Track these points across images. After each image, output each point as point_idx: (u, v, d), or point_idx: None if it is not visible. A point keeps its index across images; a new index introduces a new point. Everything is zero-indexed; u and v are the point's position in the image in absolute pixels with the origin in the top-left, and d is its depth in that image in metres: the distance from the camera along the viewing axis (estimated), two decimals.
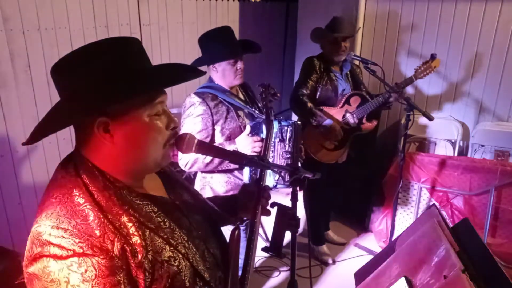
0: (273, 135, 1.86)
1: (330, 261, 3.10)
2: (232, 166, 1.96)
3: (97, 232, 0.77)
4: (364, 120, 2.87)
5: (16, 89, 2.31)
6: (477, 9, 3.23)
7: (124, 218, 0.81)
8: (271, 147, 1.86)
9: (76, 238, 0.75)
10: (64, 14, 2.50)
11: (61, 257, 0.74)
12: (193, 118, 1.95)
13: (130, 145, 0.86)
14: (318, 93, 2.86)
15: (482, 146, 3.26)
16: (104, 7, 2.74)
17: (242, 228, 1.89)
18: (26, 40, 2.32)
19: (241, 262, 1.04)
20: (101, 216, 0.79)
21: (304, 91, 2.81)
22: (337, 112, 2.85)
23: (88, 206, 0.79)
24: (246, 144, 1.89)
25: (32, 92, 2.40)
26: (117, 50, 0.83)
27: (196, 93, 2.00)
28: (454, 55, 3.40)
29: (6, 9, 2.20)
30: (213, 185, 2.06)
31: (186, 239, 0.91)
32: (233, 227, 1.07)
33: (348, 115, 2.84)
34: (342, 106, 2.85)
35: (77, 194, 0.80)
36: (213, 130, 1.99)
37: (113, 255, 0.77)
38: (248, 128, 1.93)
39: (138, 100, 0.84)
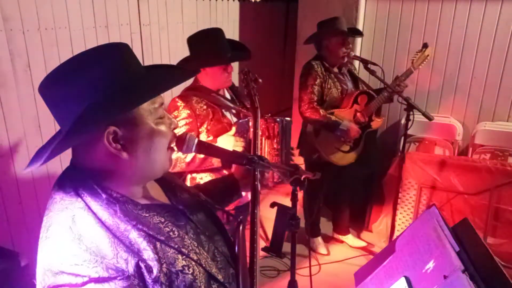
0: (260, 131, 1.81)
1: (325, 251, 3.18)
2: (216, 165, 1.93)
3: (109, 253, 0.75)
4: (373, 117, 2.89)
5: (16, 89, 2.31)
6: (477, 9, 3.23)
7: (133, 234, 0.79)
8: (258, 144, 1.83)
9: (89, 263, 0.73)
10: (64, 14, 2.50)
11: (76, 285, 0.72)
12: (177, 122, 1.94)
13: (140, 152, 0.84)
14: (325, 96, 2.86)
15: (482, 146, 3.25)
16: (104, 7, 2.74)
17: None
18: (26, 40, 2.31)
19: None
20: (110, 235, 0.77)
21: (313, 98, 2.78)
22: (348, 113, 2.86)
23: (95, 228, 0.77)
24: (226, 143, 1.86)
25: (32, 92, 2.39)
26: (115, 55, 0.81)
27: (180, 97, 1.98)
28: (454, 55, 3.40)
29: (6, 9, 2.19)
30: None
31: (196, 245, 0.89)
32: (236, 222, 1.07)
33: (358, 114, 2.85)
34: (351, 107, 2.85)
35: (81, 216, 0.77)
36: (199, 132, 1.97)
37: (129, 274, 0.75)
38: (233, 129, 1.91)
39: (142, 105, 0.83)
